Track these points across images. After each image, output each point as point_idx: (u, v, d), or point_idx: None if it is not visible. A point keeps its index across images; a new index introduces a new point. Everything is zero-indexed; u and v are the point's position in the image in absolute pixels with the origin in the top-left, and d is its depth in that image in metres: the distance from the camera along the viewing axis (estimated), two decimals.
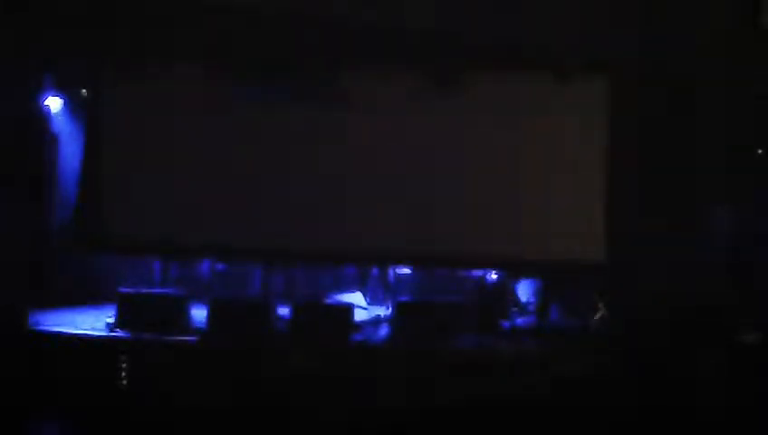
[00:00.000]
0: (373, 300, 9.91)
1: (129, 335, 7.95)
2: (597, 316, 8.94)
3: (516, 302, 9.53)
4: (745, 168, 9.11)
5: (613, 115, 9.23)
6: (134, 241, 9.11)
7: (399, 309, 8.53)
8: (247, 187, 9.06)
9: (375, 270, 10.10)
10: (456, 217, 9.09)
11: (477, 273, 9.54)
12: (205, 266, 10.23)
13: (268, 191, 9.08)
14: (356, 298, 9.69)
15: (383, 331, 8.66)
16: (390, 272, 10.04)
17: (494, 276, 9.42)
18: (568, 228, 9.20)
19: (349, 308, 8.49)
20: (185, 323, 8.22)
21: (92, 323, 8.31)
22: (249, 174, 9.06)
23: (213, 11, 8.55)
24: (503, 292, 9.37)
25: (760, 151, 9.21)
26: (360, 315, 8.94)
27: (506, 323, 9.03)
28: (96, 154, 9.13)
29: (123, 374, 7.36)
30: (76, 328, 8.08)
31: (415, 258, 9.39)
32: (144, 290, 8.56)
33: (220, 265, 10.24)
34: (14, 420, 6.59)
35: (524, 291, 9.64)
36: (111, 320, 8.17)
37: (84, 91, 9.26)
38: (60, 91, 9.23)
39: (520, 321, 9.20)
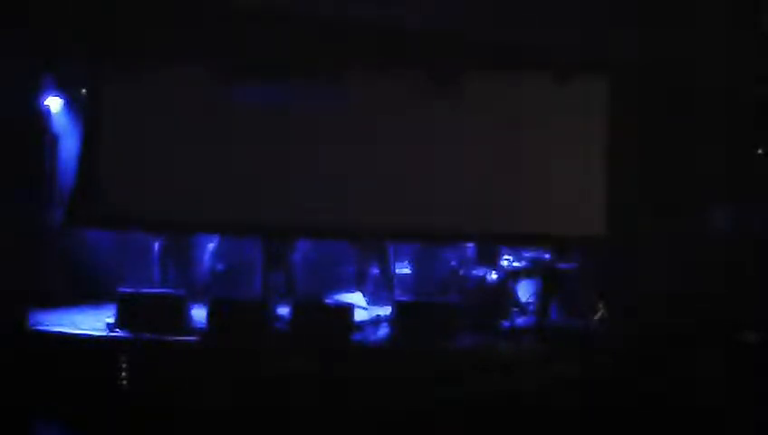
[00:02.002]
0: (373, 300, 9.91)
1: (129, 335, 7.95)
2: (597, 316, 8.94)
3: (516, 302, 9.52)
4: (745, 168, 9.10)
5: (613, 115, 9.23)
6: (131, 217, 9.09)
7: (399, 309, 8.53)
8: (246, 186, 9.06)
9: (375, 269, 10.09)
10: (454, 213, 9.12)
11: (477, 273, 9.54)
12: (204, 267, 10.24)
13: (267, 191, 9.08)
14: (356, 298, 9.69)
15: (383, 331, 8.66)
16: (391, 270, 10.02)
17: (494, 276, 9.42)
18: (567, 229, 9.22)
19: (349, 308, 8.49)
20: (185, 323, 8.22)
21: (92, 323, 8.32)
22: (248, 174, 9.06)
23: (213, 11, 8.56)
24: (503, 292, 9.36)
25: (760, 151, 9.21)
26: (360, 315, 8.94)
27: (506, 323, 9.03)
28: (95, 149, 9.11)
29: (123, 374, 7.36)
30: (76, 328, 8.09)
31: (415, 235, 9.41)
32: (144, 290, 8.56)
33: (220, 266, 10.25)
34: (15, 420, 6.59)
35: (524, 291, 9.63)
36: (111, 320, 8.18)
37: (84, 91, 9.26)
38: (60, 91, 9.23)
39: (520, 321, 9.20)
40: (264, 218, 9.11)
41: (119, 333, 8.02)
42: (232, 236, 10.02)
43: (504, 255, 9.69)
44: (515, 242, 9.50)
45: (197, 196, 9.02)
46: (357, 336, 8.38)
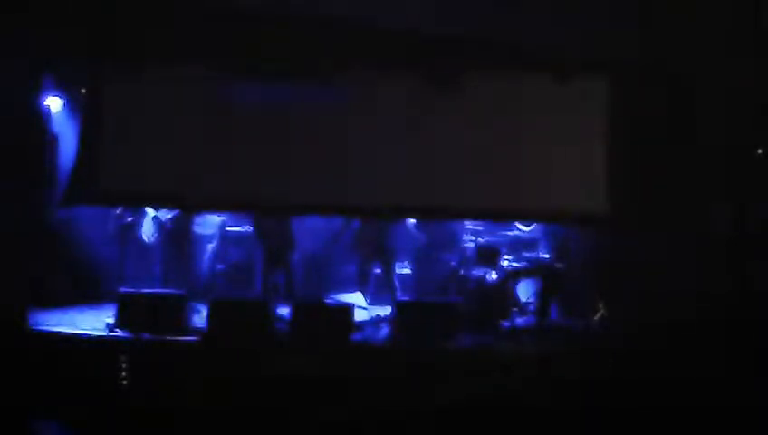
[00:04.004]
0: (373, 300, 9.91)
1: (129, 335, 7.95)
2: (597, 316, 8.94)
3: (516, 302, 9.52)
4: (745, 168, 9.10)
5: (613, 115, 9.23)
6: (130, 194, 9.08)
7: (399, 309, 8.53)
8: (246, 185, 9.06)
9: (377, 269, 10.09)
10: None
11: (477, 273, 9.54)
12: (204, 266, 10.23)
13: (267, 191, 9.09)
14: (356, 298, 9.69)
15: (383, 331, 8.66)
16: (394, 270, 10.02)
17: (494, 276, 9.42)
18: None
19: (349, 308, 8.49)
20: (185, 323, 8.22)
21: (92, 323, 8.32)
22: (248, 173, 9.06)
23: (213, 11, 8.55)
24: (503, 292, 9.36)
25: (760, 151, 9.21)
26: (360, 315, 8.94)
27: (506, 323, 9.03)
28: (94, 149, 9.10)
29: (123, 374, 7.35)
30: (76, 328, 8.09)
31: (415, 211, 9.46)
32: (144, 290, 8.55)
33: (220, 265, 10.24)
34: (15, 420, 6.59)
35: (524, 291, 9.63)
36: (111, 320, 8.18)
37: (84, 91, 9.25)
38: (60, 91, 9.22)
39: (520, 321, 9.20)
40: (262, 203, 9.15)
41: (119, 333, 8.02)
42: (231, 213, 10.04)
43: (503, 255, 9.70)
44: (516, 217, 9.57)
45: (197, 195, 9.02)
46: (357, 336, 8.38)
